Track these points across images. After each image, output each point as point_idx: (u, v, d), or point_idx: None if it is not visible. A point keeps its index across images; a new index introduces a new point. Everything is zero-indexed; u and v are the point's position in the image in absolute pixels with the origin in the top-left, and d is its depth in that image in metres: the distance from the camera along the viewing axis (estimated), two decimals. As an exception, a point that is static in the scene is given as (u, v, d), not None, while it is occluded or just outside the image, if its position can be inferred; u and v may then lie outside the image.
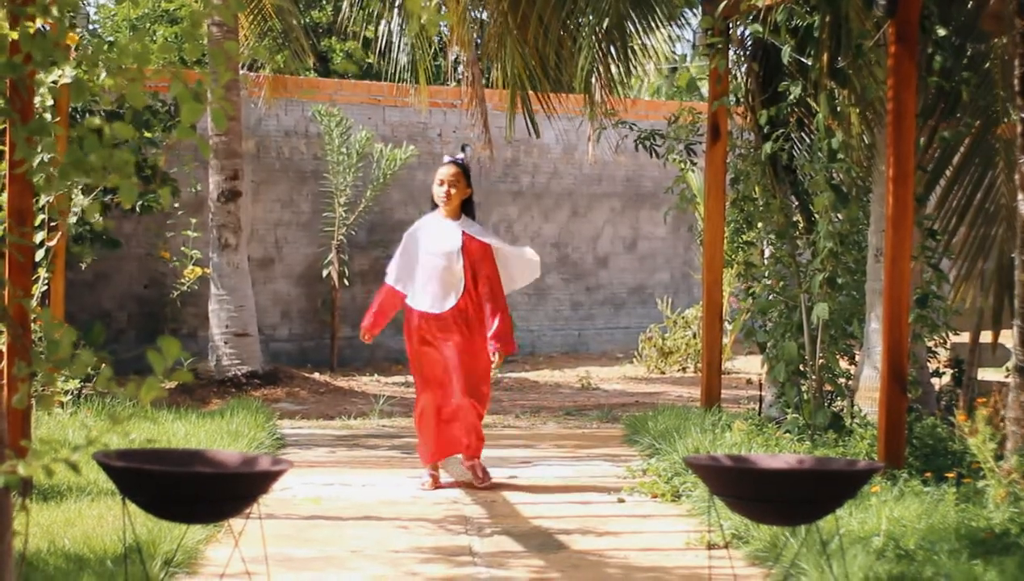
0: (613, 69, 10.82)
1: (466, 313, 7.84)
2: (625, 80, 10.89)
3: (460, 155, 8.09)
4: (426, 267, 7.88)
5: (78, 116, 11.91)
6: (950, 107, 8.44)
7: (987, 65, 8.51)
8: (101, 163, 3.52)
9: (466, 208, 8.01)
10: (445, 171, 7.95)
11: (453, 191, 7.91)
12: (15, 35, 4.33)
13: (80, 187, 9.28)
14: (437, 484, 7.91)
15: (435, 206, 8.02)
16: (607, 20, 10.48)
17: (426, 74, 13.65)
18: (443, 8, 11.84)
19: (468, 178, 8.01)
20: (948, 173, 8.91)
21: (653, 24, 11.03)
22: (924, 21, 7.67)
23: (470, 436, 7.87)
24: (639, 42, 11.06)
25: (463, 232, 7.90)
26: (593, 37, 10.60)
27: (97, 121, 3.89)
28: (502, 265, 7.99)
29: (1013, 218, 7.41)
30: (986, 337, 9.13)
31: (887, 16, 7.33)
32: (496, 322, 7.81)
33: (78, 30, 11.23)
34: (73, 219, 8.78)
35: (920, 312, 8.06)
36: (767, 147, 8.62)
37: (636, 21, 10.78)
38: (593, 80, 10.75)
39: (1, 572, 3.43)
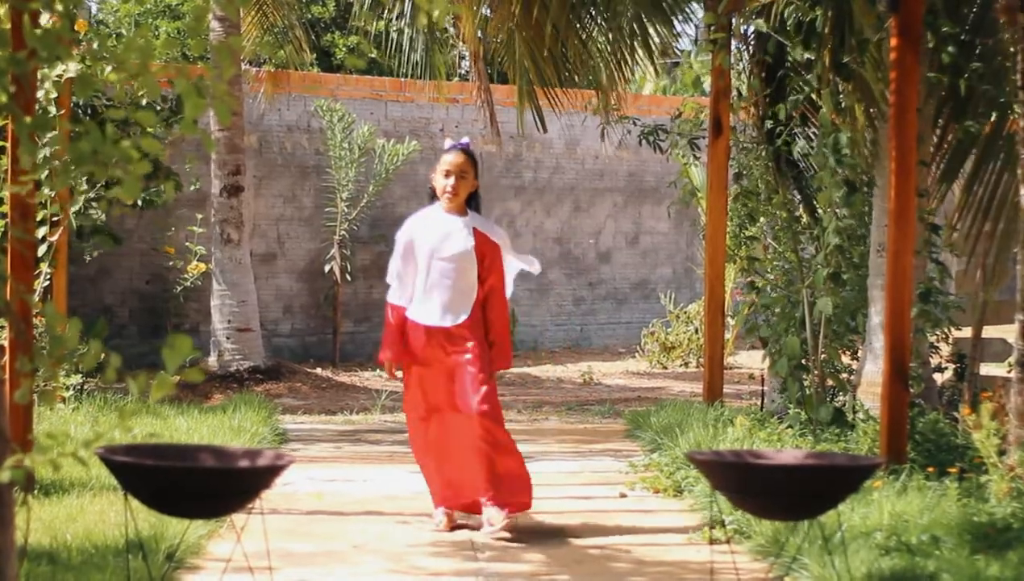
0: (623, 65, 10.85)
1: (480, 324, 6.63)
2: (633, 76, 10.91)
3: (465, 140, 6.86)
4: (433, 273, 6.58)
5: (80, 110, 11.91)
6: (960, 104, 8.43)
7: (998, 60, 8.49)
8: (123, 155, 3.51)
9: (471, 202, 6.72)
10: (451, 159, 6.62)
11: (460, 184, 6.62)
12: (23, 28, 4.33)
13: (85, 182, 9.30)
14: (453, 523, 6.71)
15: (432, 199, 6.77)
16: (618, 15, 10.50)
17: (441, 68, 13.67)
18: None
19: (476, 168, 6.72)
20: (966, 168, 8.92)
21: (661, 19, 11.05)
22: (928, 16, 7.66)
23: (491, 482, 6.51)
24: (652, 39, 11.07)
25: (475, 229, 6.64)
26: (604, 33, 10.61)
27: (121, 112, 3.90)
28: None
29: (1016, 212, 7.40)
30: (989, 332, 9.12)
31: (890, 10, 7.32)
32: (498, 347, 6.65)
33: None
34: (75, 208, 8.78)
35: (922, 307, 8.06)
36: (779, 142, 8.61)
37: (646, 16, 10.80)
38: (604, 77, 10.78)
39: (3, 567, 3.44)
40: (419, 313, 6.61)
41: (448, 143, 6.77)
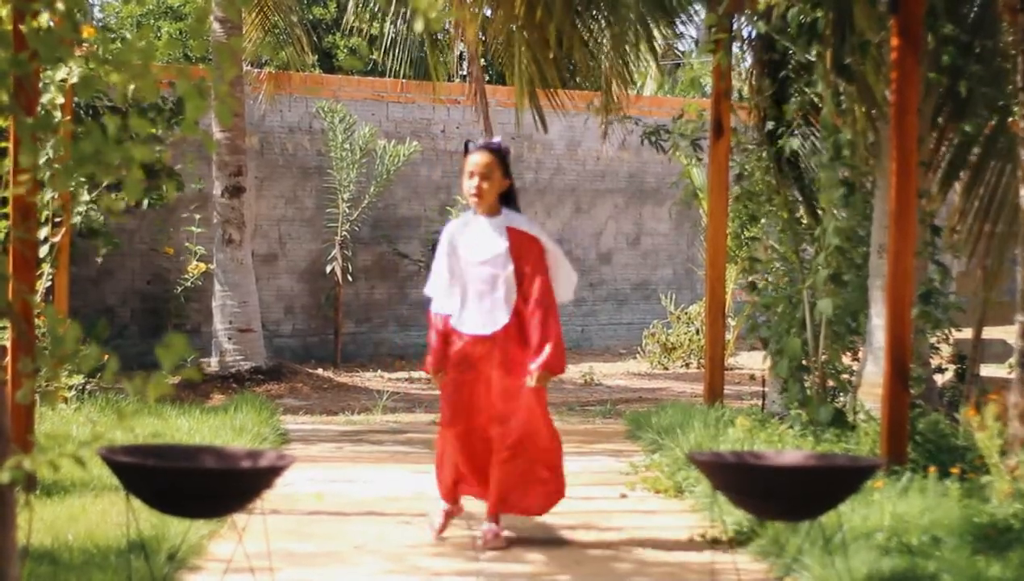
0: (626, 66, 10.86)
1: (519, 328, 6.33)
2: (634, 80, 10.93)
3: (496, 139, 6.66)
4: (473, 281, 6.36)
5: (82, 112, 11.92)
6: (959, 104, 8.43)
7: (997, 61, 8.50)
8: (119, 158, 3.52)
9: (506, 201, 6.44)
10: (474, 160, 6.38)
11: (485, 185, 6.34)
12: (23, 28, 4.33)
13: (87, 184, 9.31)
14: (448, 522, 6.60)
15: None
16: (621, 16, 10.51)
17: (437, 69, 13.68)
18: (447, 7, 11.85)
19: (506, 166, 6.43)
20: (967, 169, 8.92)
21: (664, 20, 11.07)
22: (928, 17, 7.66)
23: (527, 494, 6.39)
24: (657, 40, 11.09)
25: (507, 228, 6.37)
26: (607, 34, 10.62)
27: (113, 115, 3.90)
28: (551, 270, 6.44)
29: (1016, 213, 7.41)
30: (989, 333, 9.13)
31: (890, 11, 7.33)
32: (548, 346, 6.23)
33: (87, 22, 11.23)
34: (77, 218, 8.81)
35: (923, 308, 8.06)
36: (784, 143, 8.61)
37: (649, 17, 10.82)
38: (606, 78, 10.78)
39: (5, 567, 3.44)
40: (460, 320, 6.40)
41: (473, 143, 6.55)
